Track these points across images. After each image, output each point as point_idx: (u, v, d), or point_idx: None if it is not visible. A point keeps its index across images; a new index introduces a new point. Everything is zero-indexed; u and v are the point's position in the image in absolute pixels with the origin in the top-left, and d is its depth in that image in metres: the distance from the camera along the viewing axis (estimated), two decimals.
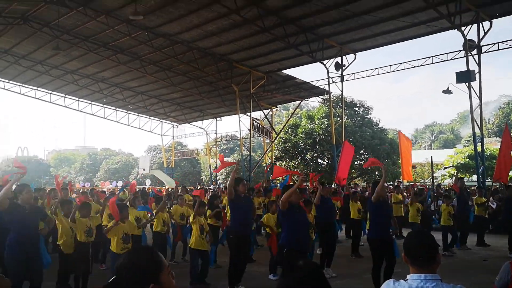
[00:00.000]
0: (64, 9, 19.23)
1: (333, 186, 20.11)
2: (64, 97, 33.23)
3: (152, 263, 1.98)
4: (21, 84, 31.31)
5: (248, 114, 26.70)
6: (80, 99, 33.85)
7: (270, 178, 23.11)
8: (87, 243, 7.38)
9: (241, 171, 30.78)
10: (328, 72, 22.71)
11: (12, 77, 30.21)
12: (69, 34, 22.05)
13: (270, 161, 30.52)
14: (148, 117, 37.12)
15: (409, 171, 17.79)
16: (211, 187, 29.02)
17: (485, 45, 18.26)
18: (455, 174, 30.74)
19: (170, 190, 23.69)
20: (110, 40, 22.70)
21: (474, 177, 27.45)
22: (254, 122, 26.94)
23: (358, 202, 12.39)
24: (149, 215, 9.54)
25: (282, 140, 31.32)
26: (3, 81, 30.87)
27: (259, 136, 30.98)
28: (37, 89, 32.04)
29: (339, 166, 17.18)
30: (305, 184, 10.46)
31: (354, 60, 22.62)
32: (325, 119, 29.74)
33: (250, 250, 9.01)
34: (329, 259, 9.39)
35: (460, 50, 18.94)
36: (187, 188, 20.68)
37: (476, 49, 17.69)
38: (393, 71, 22.66)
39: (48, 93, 32.56)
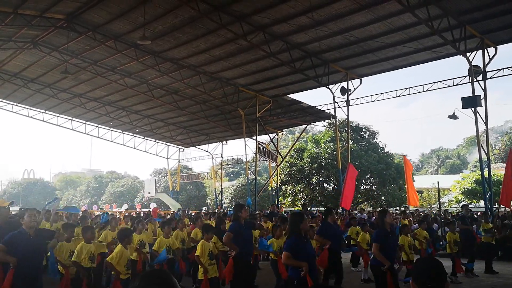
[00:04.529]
0: (73, 34, 19.55)
1: (339, 211, 20.01)
2: (71, 120, 33.48)
3: (168, 285, 1.98)
4: (29, 107, 31.59)
5: (254, 138, 26.71)
6: (87, 122, 34.05)
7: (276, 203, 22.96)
8: (89, 268, 7.34)
9: (246, 194, 30.67)
10: (334, 97, 22.77)
11: (20, 100, 30.52)
12: (78, 58, 22.36)
13: (275, 185, 30.42)
14: (154, 140, 37.23)
15: (413, 196, 17.68)
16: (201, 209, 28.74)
17: (490, 71, 18.30)
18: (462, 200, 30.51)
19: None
20: (118, 64, 22.98)
21: (481, 203, 27.20)
22: (260, 146, 26.95)
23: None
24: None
25: (288, 164, 31.28)
26: (12, 104, 31.16)
27: (264, 160, 30.95)
28: (45, 112, 32.29)
29: (344, 190, 17.10)
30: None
31: (359, 85, 22.72)
32: (331, 144, 29.74)
33: (252, 276, 8.85)
34: None
35: (466, 76, 19.01)
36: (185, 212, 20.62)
37: (481, 74, 17.74)
38: (399, 96, 22.69)
39: (55, 116, 32.82)
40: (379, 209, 21.65)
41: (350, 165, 18.21)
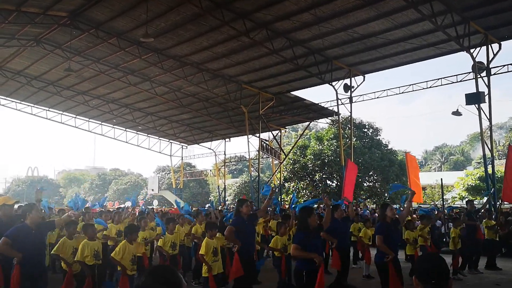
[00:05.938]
0: (76, 31, 19.59)
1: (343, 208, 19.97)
2: (75, 117, 33.55)
3: (173, 282, 1.97)
4: (33, 105, 31.67)
5: (257, 135, 26.72)
6: (90, 120, 34.15)
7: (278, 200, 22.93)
8: (94, 266, 7.32)
9: (249, 192, 30.68)
10: (337, 94, 22.70)
11: (24, 98, 30.58)
12: (81, 56, 22.40)
13: (278, 182, 30.40)
14: (158, 137, 37.29)
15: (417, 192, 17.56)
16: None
17: (494, 67, 18.20)
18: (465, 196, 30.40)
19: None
20: (121, 61, 22.99)
21: (485, 200, 27.11)
22: (263, 143, 26.93)
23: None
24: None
25: (291, 161, 31.26)
26: (15, 102, 31.23)
27: (267, 157, 30.94)
28: (48, 110, 32.38)
29: (344, 186, 17.09)
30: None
31: (363, 82, 22.65)
32: (334, 141, 29.69)
33: (255, 272, 8.82)
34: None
35: (469, 72, 18.92)
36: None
37: (485, 71, 17.67)
38: (402, 92, 22.59)
39: (59, 113, 32.90)
40: None
41: (349, 161, 18.26)
